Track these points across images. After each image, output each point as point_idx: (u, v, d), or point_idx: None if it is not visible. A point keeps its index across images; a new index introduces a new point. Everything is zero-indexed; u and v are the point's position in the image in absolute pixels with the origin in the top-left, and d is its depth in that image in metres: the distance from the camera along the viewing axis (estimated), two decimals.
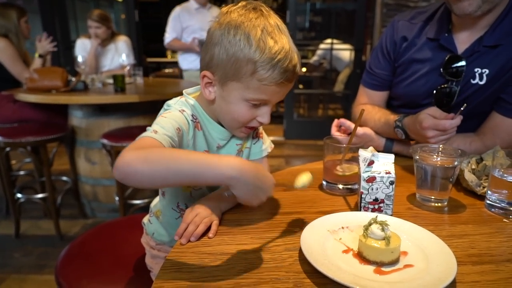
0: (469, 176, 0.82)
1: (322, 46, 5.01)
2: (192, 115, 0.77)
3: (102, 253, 1.03)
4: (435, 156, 0.79)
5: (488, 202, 0.78)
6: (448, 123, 0.89)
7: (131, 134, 2.07)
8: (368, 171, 0.72)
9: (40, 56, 2.54)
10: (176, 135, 0.69)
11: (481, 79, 1.02)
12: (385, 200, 0.73)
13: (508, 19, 0.98)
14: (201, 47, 1.77)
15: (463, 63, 1.02)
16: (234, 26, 0.68)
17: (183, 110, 0.75)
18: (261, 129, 0.94)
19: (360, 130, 1.11)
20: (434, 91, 1.08)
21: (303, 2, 5.30)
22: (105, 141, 2.03)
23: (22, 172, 2.77)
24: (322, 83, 5.30)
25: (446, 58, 1.05)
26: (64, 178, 2.57)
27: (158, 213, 0.93)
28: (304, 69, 5.36)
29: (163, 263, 0.57)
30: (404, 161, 1.06)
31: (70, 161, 2.45)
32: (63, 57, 4.51)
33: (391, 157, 0.74)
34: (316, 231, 0.62)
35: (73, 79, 2.38)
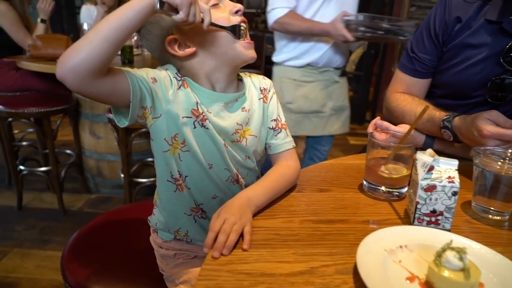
0: None
1: None
2: (177, 73, 0.75)
3: (111, 245, 0.95)
4: (500, 163, 0.69)
5: None
6: None
7: None
8: (428, 179, 0.62)
9: (43, 21, 2.39)
10: (148, 82, 0.68)
11: None
12: (444, 212, 0.63)
13: None
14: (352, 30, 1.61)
15: None
16: None
17: (167, 69, 0.74)
18: (283, 120, 0.86)
19: (400, 130, 0.97)
20: (489, 83, 0.95)
21: None
22: (111, 115, 1.93)
23: (24, 143, 2.68)
24: None
25: (509, 45, 0.91)
26: (68, 151, 2.48)
27: (156, 197, 0.86)
28: None
29: (196, 285, 0.48)
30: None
31: (74, 134, 2.35)
32: (67, 23, 4.32)
33: (455, 163, 0.64)
34: (372, 251, 0.53)
35: None
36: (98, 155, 2.34)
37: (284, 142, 0.85)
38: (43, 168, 2.25)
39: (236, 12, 0.74)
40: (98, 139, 2.29)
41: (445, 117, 0.94)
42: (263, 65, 5.24)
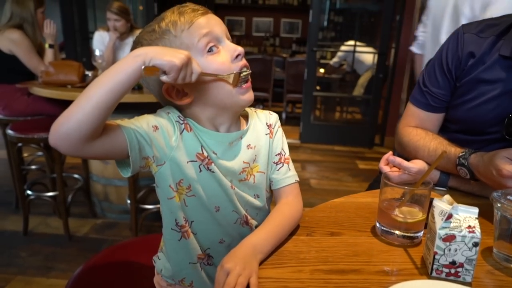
0: None
1: (343, 47, 4.83)
2: (179, 116, 0.71)
3: (114, 284, 0.92)
4: None
5: None
6: None
7: None
8: (446, 228, 0.59)
9: (51, 46, 2.44)
10: (148, 132, 0.65)
11: None
12: (465, 264, 0.59)
13: None
14: None
15: None
16: (140, 38, 0.72)
17: (168, 112, 0.71)
18: (287, 153, 0.84)
19: (414, 167, 0.95)
20: (506, 119, 0.92)
21: (323, 1, 5.14)
22: None
23: (33, 167, 2.70)
24: (341, 86, 5.14)
25: None
26: (76, 175, 2.49)
27: (162, 244, 0.82)
28: (322, 70, 5.20)
29: None
30: (461, 198, 0.92)
31: (82, 159, 2.36)
32: (80, 47, 4.43)
33: (475, 211, 0.60)
34: None
35: (90, 74, 2.28)
36: (106, 179, 2.33)
37: (285, 176, 0.82)
38: (50, 193, 2.25)
39: (237, 57, 0.71)
40: (106, 163, 2.29)
41: (461, 154, 0.91)
42: (272, 87, 5.29)
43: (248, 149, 0.78)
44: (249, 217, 0.80)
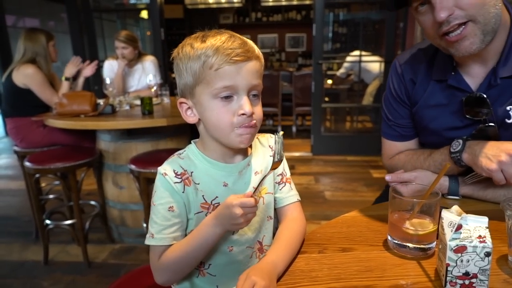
0: None
1: (349, 58, 4.85)
2: (176, 173, 0.75)
3: None
4: None
5: None
6: None
7: (159, 158, 2.00)
8: (456, 239, 0.58)
9: (67, 79, 2.54)
10: (171, 214, 0.75)
11: None
12: (478, 275, 0.59)
13: None
14: None
15: (483, 98, 0.89)
16: (181, 46, 0.75)
17: (165, 174, 0.75)
18: (288, 174, 0.86)
19: (412, 173, 0.97)
20: (464, 100, 0.93)
21: (326, 13, 5.19)
22: (132, 166, 1.97)
23: (51, 196, 2.76)
24: (349, 96, 5.13)
25: (463, 100, 0.92)
26: (92, 202, 2.53)
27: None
28: (329, 82, 5.21)
29: None
30: (475, 205, 0.91)
31: (98, 185, 2.41)
32: (92, 76, 4.55)
33: (485, 220, 0.60)
34: None
35: (101, 102, 2.35)
36: (121, 204, 2.37)
37: (289, 195, 0.85)
38: (68, 222, 2.28)
39: (241, 115, 0.71)
40: (121, 189, 2.33)
41: (452, 152, 0.92)
42: (280, 102, 5.32)
43: (255, 175, 0.81)
44: (263, 244, 0.82)
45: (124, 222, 2.41)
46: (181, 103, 0.77)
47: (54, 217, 2.58)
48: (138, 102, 2.48)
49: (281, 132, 0.73)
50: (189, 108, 0.77)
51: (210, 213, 0.76)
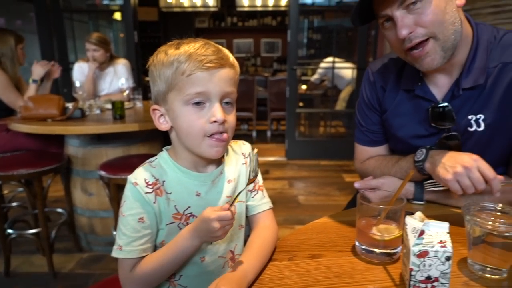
0: None
1: (322, 64, 4.94)
2: (147, 183, 0.73)
3: None
4: (492, 220, 0.67)
5: None
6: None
7: (130, 164, 1.95)
8: (419, 244, 0.60)
9: (34, 81, 2.44)
10: (142, 226, 0.73)
11: (478, 125, 0.93)
12: (440, 278, 0.61)
13: (479, 54, 0.91)
14: None
15: (448, 108, 0.94)
16: (156, 53, 0.74)
17: (136, 183, 0.73)
18: (261, 181, 0.87)
19: (379, 180, 1.01)
20: (435, 145, 0.98)
21: (301, 20, 5.28)
22: (102, 173, 1.91)
23: (14, 204, 2.63)
24: (323, 101, 5.22)
25: (429, 110, 0.96)
26: (59, 210, 2.43)
27: None
28: (304, 87, 5.29)
29: None
30: (438, 210, 0.94)
31: (65, 192, 2.32)
32: (61, 78, 4.41)
33: (445, 225, 0.62)
34: None
35: (70, 106, 2.27)
36: (90, 212, 2.29)
37: (261, 203, 0.85)
38: (32, 231, 2.18)
39: (213, 122, 0.71)
40: (90, 195, 2.25)
41: (416, 161, 0.96)
42: (255, 107, 5.34)
43: (228, 183, 0.81)
44: (234, 253, 0.82)
45: (93, 230, 2.33)
46: (154, 109, 0.76)
47: (17, 226, 2.46)
48: (109, 106, 2.42)
49: (256, 150, 0.74)
50: (162, 115, 0.76)
51: (182, 223, 0.76)
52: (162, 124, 0.76)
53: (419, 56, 0.89)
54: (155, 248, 0.77)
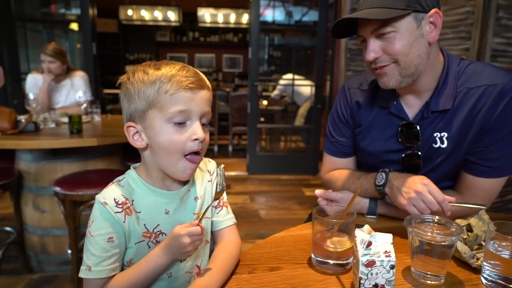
0: (461, 247, 0.80)
1: (282, 81, 5.10)
2: (117, 203, 0.74)
3: None
4: (430, 231, 0.75)
5: (484, 276, 0.75)
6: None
7: (88, 180, 1.89)
8: (367, 254, 0.66)
9: None
10: (111, 245, 0.74)
11: (442, 142, 1.03)
12: (385, 285, 0.67)
13: (449, 81, 1.01)
14: None
15: (416, 129, 1.03)
16: (132, 72, 0.76)
17: (105, 203, 0.74)
18: (225, 198, 0.90)
19: (337, 194, 1.08)
20: (400, 160, 1.07)
21: (261, 37, 5.43)
22: (57, 189, 1.84)
23: None
24: (284, 117, 5.37)
25: (400, 126, 1.06)
26: (8, 228, 2.29)
27: None
28: (265, 102, 5.41)
29: None
30: (390, 223, 1.02)
31: (15, 209, 2.19)
32: (11, 88, 4.18)
33: (389, 237, 0.69)
34: None
35: (23, 119, 2.18)
36: (43, 230, 2.18)
37: (225, 218, 0.89)
38: None
39: (194, 140, 0.75)
40: (43, 213, 2.15)
41: (377, 185, 1.04)
42: (217, 121, 5.37)
43: (195, 200, 0.84)
44: (201, 268, 0.84)
45: (45, 249, 2.21)
46: (128, 127, 0.77)
47: None
48: (65, 119, 2.34)
49: (222, 165, 0.78)
50: (137, 132, 0.77)
51: (152, 241, 0.77)
52: (137, 141, 0.77)
53: (378, 74, 0.99)
54: (122, 266, 0.77)
